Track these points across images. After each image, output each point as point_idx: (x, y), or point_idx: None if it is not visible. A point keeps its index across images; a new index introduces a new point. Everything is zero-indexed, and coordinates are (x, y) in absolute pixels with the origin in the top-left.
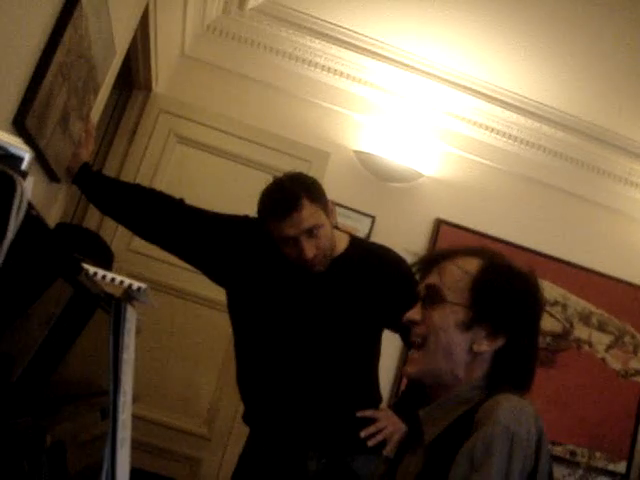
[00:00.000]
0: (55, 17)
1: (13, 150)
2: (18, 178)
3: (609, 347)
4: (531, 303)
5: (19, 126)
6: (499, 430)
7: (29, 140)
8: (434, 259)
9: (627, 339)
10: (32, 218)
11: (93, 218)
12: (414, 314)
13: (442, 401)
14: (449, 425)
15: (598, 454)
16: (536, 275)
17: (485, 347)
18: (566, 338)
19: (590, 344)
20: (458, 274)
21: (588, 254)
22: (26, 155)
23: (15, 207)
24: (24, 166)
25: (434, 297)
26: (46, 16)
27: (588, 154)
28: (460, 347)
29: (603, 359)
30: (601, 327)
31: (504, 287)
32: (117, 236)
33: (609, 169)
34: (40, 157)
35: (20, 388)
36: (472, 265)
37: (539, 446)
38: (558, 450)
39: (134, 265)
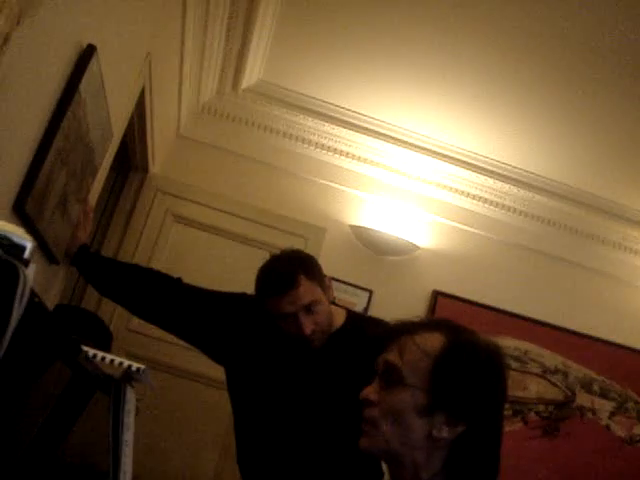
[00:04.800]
0: (54, 103)
1: (16, 239)
2: (21, 267)
3: (613, 414)
4: (494, 387)
5: (19, 211)
6: None
7: (29, 224)
8: (394, 332)
9: (630, 405)
10: (34, 304)
11: (91, 298)
12: (371, 394)
13: None
14: None
15: None
16: (502, 352)
17: (445, 434)
18: (569, 406)
19: (593, 411)
20: (418, 355)
21: (586, 320)
22: (28, 244)
23: (18, 295)
24: (26, 254)
25: (393, 377)
26: (45, 103)
27: (581, 221)
28: (418, 432)
29: (607, 426)
30: (603, 394)
31: (467, 371)
32: (116, 316)
33: (603, 235)
34: (39, 240)
35: (21, 470)
36: (433, 344)
37: None
38: None
39: (133, 345)
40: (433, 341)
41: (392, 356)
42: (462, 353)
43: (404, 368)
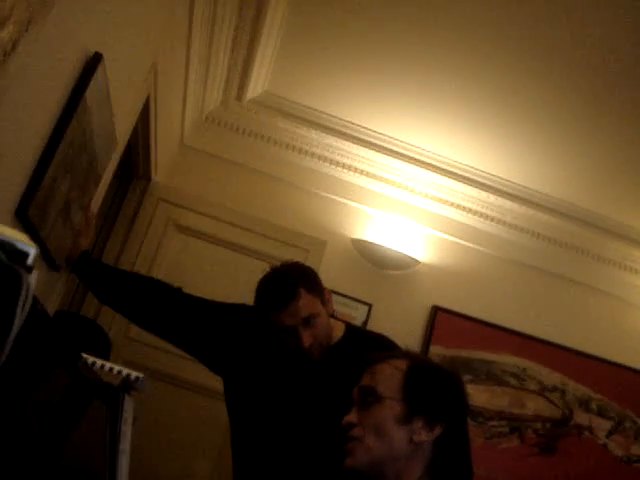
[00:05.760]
0: (60, 110)
1: (20, 246)
2: (24, 274)
3: (610, 433)
4: (458, 392)
5: (22, 217)
6: None
7: (31, 230)
8: (365, 363)
9: (628, 424)
10: (36, 311)
11: (91, 305)
12: (351, 417)
13: None
14: None
15: None
16: (459, 374)
17: (424, 437)
18: (566, 424)
19: (591, 430)
20: (390, 371)
21: (585, 339)
22: (32, 251)
23: (21, 302)
24: (30, 261)
25: (369, 397)
26: (51, 109)
27: (583, 240)
28: (400, 440)
29: (605, 445)
30: (601, 412)
31: (434, 379)
32: (115, 324)
33: (605, 254)
34: (41, 246)
35: (19, 476)
36: (402, 363)
37: None
38: None
39: (132, 353)
40: (400, 362)
41: (365, 381)
42: (427, 367)
43: (378, 386)
